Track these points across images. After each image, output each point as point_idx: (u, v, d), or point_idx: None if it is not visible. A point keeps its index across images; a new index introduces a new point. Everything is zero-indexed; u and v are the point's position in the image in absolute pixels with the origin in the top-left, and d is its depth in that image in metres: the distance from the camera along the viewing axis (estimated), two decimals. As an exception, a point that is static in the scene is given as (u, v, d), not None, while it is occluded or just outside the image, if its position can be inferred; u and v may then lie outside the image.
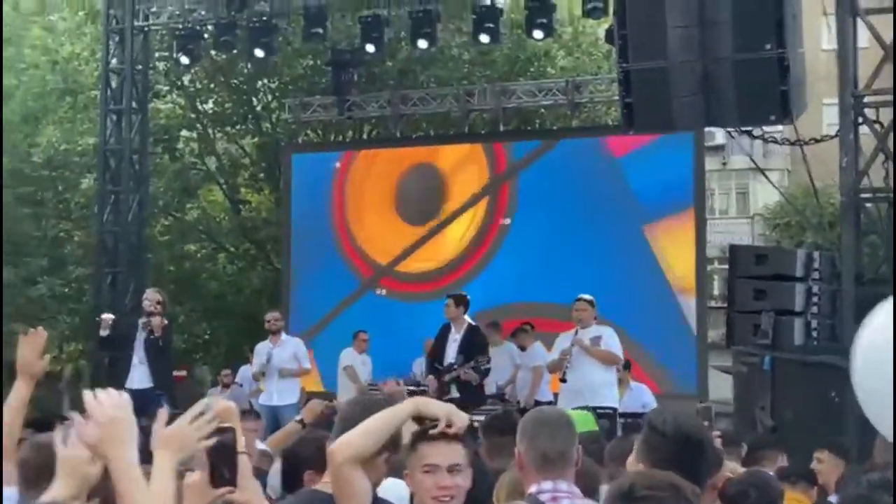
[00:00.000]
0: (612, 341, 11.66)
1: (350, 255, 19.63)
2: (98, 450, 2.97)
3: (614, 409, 11.40)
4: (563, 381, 11.71)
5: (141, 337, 12.49)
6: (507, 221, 18.94)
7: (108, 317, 12.95)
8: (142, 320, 12.56)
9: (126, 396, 3.06)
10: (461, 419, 3.72)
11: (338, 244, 19.71)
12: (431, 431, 3.72)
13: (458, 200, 19.25)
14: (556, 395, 14.50)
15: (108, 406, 2.99)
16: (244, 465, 3.58)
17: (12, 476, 4.18)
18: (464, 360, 12.48)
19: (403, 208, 19.51)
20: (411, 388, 13.32)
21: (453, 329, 12.85)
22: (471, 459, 3.88)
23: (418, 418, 3.78)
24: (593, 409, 9.43)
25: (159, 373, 12.54)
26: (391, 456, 4.08)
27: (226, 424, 3.76)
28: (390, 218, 19.55)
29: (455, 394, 12.26)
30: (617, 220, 18.12)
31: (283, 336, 13.92)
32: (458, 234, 19.20)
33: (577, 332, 11.61)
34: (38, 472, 3.99)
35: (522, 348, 15.11)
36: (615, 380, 11.76)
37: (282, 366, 13.62)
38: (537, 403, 13.00)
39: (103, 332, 12.85)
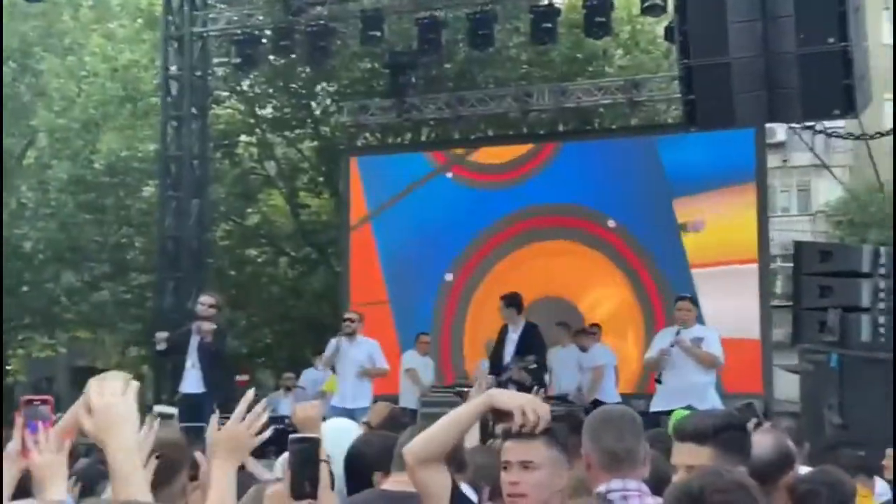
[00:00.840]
0: (714, 343, 11.49)
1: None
2: (95, 437, 2.96)
3: None
4: (658, 381, 11.59)
5: (194, 341, 12.47)
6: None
7: (160, 335, 12.92)
8: (195, 325, 12.54)
9: (135, 384, 3.03)
10: (541, 411, 3.63)
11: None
12: (514, 429, 3.66)
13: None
14: (624, 395, 14.46)
15: (105, 394, 2.97)
16: (324, 474, 3.55)
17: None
18: (520, 360, 12.46)
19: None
20: (460, 388, 13.34)
21: (510, 329, 12.82)
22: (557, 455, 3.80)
23: (497, 412, 3.72)
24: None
25: (212, 377, 12.52)
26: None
27: (310, 434, 3.75)
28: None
29: None
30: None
31: (359, 337, 13.76)
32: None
33: (678, 332, 11.47)
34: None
35: (583, 349, 15.07)
36: (713, 382, 11.56)
37: (358, 367, 13.47)
38: (597, 403, 12.94)
39: (159, 348, 12.88)
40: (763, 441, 4.02)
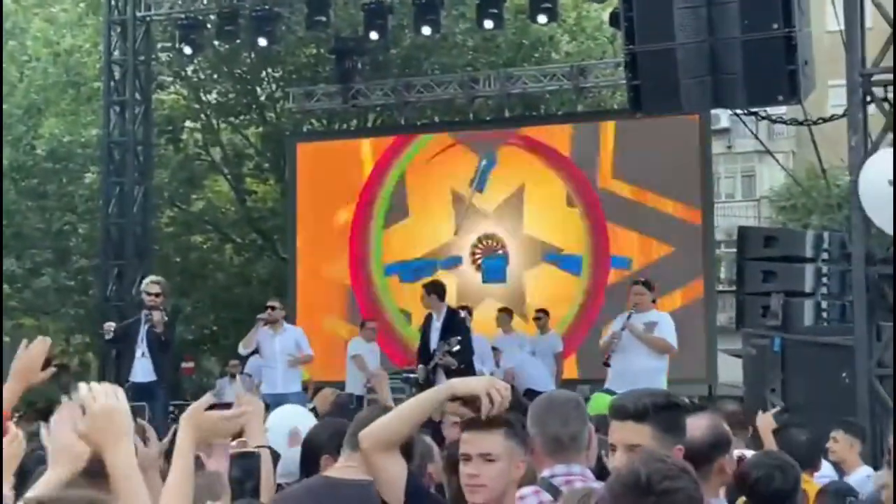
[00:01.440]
0: (667, 329, 11.46)
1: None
2: (92, 440, 2.98)
3: None
4: (606, 364, 11.57)
5: (143, 330, 12.37)
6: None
7: (108, 326, 12.84)
8: (143, 313, 12.44)
9: (120, 389, 3.05)
10: (502, 392, 3.62)
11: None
12: (477, 416, 3.64)
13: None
14: (570, 381, 14.53)
15: (102, 397, 2.97)
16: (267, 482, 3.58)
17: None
18: (455, 343, 12.50)
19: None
20: (406, 375, 13.36)
21: (434, 317, 12.87)
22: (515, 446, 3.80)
23: (462, 400, 3.70)
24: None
25: (163, 365, 12.49)
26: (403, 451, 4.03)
27: (250, 449, 3.78)
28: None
29: (444, 381, 12.19)
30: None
31: (285, 324, 13.79)
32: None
33: (629, 316, 11.44)
34: None
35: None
36: (665, 368, 11.53)
37: (285, 354, 13.49)
38: (530, 393, 13.06)
39: (107, 337, 12.80)
40: (698, 423, 4.03)
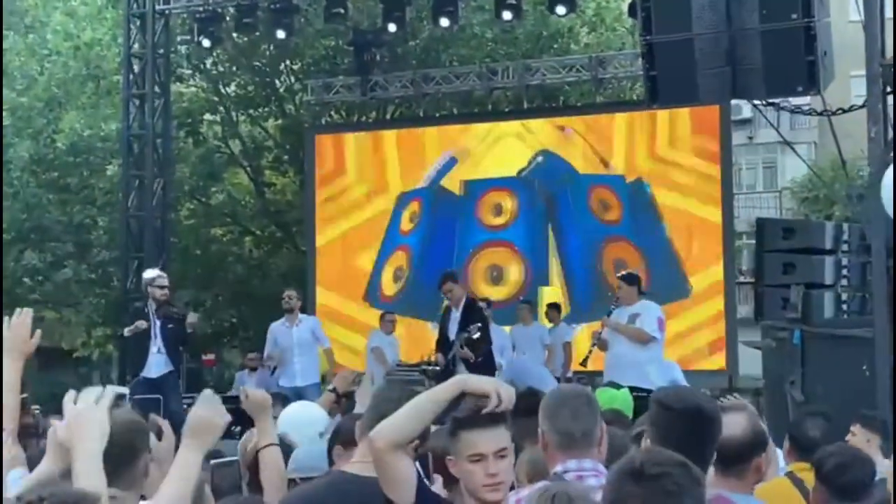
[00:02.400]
0: (648, 319, 11.43)
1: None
2: (66, 445, 3.09)
3: (649, 391, 11.00)
4: (583, 365, 11.68)
5: (157, 326, 12.28)
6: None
7: (141, 325, 12.61)
8: (151, 304, 12.32)
9: (107, 393, 3.12)
10: (508, 394, 3.62)
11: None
12: (484, 411, 3.62)
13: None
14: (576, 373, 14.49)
15: (79, 403, 3.08)
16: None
17: (18, 458, 4.20)
18: (468, 336, 12.50)
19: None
20: (424, 367, 13.33)
21: (452, 309, 12.85)
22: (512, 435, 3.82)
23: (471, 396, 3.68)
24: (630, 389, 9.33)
25: (176, 359, 12.49)
26: (421, 445, 3.99)
27: (231, 458, 3.79)
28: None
29: (464, 372, 12.23)
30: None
31: (300, 315, 13.73)
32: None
33: (609, 313, 11.46)
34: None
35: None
36: (652, 358, 11.46)
37: (302, 345, 13.44)
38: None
39: (128, 333, 12.66)
40: (737, 421, 4.01)
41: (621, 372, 10.80)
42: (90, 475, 2.95)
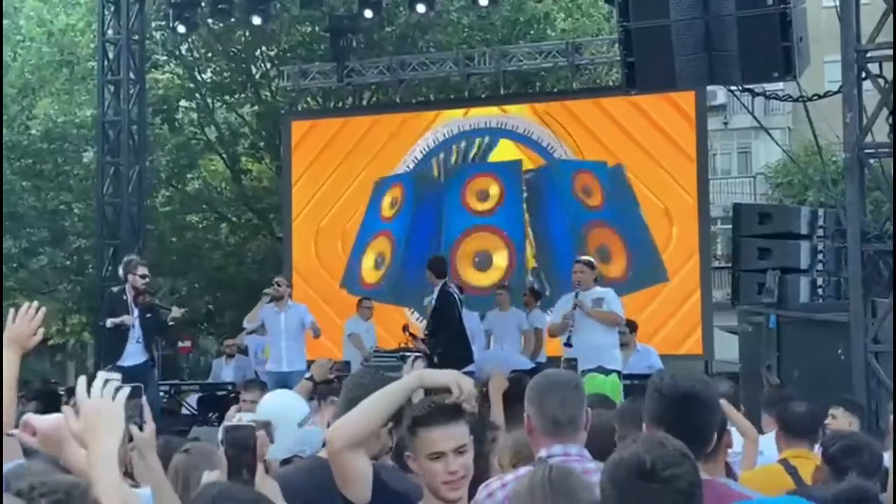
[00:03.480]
0: (613, 302, 11.51)
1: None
2: (80, 438, 2.98)
3: (619, 372, 11.20)
4: (568, 345, 11.61)
5: (135, 315, 12.20)
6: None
7: (129, 319, 12.51)
8: (126, 290, 12.24)
9: (123, 388, 3.03)
10: (467, 386, 3.62)
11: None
12: (448, 401, 3.61)
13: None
14: (551, 358, 14.51)
15: (95, 397, 2.96)
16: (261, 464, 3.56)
17: (16, 451, 4.17)
18: (432, 325, 12.50)
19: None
20: (402, 353, 13.34)
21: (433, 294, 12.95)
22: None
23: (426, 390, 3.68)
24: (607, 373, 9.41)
25: (150, 348, 12.47)
26: (395, 427, 4.01)
27: (244, 423, 3.72)
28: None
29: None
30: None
31: (290, 302, 13.71)
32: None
33: (577, 295, 11.48)
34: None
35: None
36: (618, 342, 11.60)
37: (290, 331, 13.43)
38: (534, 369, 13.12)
39: (110, 325, 12.57)
40: None
41: (593, 354, 10.87)
42: (109, 476, 2.87)
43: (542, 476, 3.26)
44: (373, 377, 4.32)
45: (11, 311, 4.19)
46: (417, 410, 3.62)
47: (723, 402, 6.57)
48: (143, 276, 12.18)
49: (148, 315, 12.17)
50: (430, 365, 12.09)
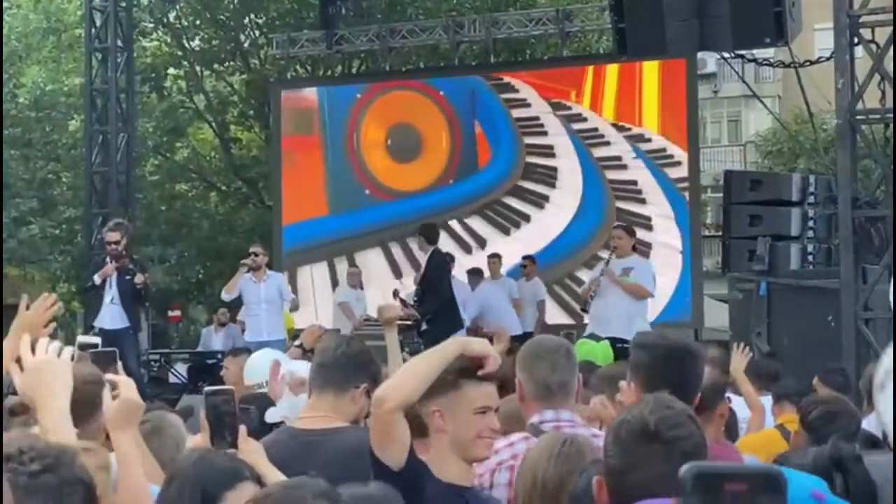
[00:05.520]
0: (643, 274, 11.43)
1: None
2: (25, 395, 2.93)
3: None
4: (584, 311, 11.60)
5: (112, 278, 12.23)
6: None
7: (108, 270, 12.54)
8: (114, 263, 12.27)
9: (68, 348, 3.00)
10: (497, 358, 3.61)
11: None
12: (481, 372, 3.59)
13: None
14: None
15: (39, 352, 2.92)
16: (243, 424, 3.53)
17: None
18: (420, 291, 12.52)
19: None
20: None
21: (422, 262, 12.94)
22: None
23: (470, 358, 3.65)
24: (612, 341, 9.38)
25: (135, 314, 12.42)
26: (372, 387, 3.99)
27: (224, 387, 3.70)
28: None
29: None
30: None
31: (268, 271, 13.69)
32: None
33: (608, 262, 11.44)
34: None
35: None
36: (640, 311, 11.41)
37: (268, 301, 13.41)
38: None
39: (88, 285, 12.63)
40: None
41: (608, 323, 10.84)
42: (60, 431, 2.82)
43: (556, 441, 3.25)
44: (337, 340, 4.35)
45: (25, 297, 4.13)
46: (464, 363, 3.60)
47: (734, 369, 6.63)
48: (108, 243, 12.23)
49: (126, 277, 12.17)
50: (419, 331, 12.19)
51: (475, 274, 15.75)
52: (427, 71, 21.24)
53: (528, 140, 18.73)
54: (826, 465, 2.84)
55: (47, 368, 2.91)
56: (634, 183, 17.96)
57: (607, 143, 18.22)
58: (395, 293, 13.18)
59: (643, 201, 17.81)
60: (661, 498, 2.46)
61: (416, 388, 3.44)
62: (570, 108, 18.50)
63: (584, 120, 18.40)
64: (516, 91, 18.99)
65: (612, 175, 18.11)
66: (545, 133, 18.65)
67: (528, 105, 18.81)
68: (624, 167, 18.08)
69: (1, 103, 20.80)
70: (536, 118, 18.72)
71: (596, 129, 18.33)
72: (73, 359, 4.42)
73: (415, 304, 12.43)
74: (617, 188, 18.05)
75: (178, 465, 3.01)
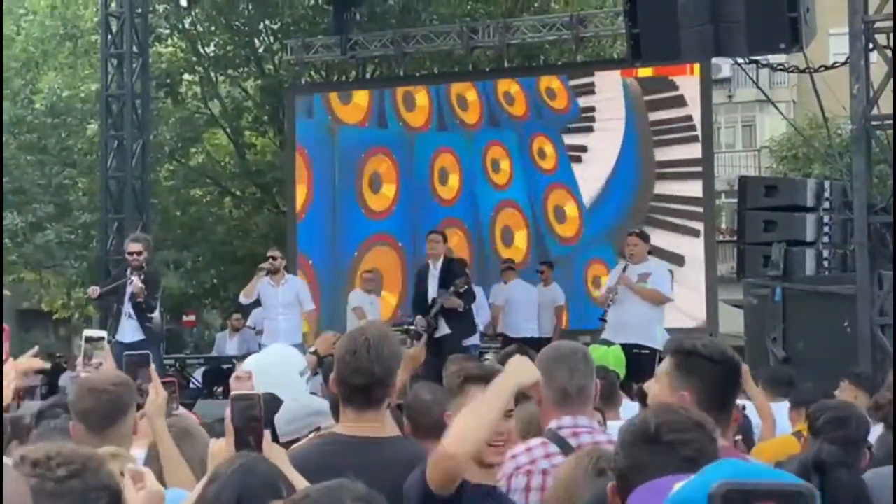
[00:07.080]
0: (661, 279, 11.40)
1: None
2: None
3: (654, 350, 10.53)
4: (603, 320, 11.55)
5: (129, 290, 12.24)
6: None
7: (93, 289, 12.69)
8: (128, 273, 12.29)
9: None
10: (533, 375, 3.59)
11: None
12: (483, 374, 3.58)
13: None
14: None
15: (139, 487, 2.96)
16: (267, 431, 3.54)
17: None
18: (465, 286, 12.54)
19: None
20: (402, 327, 13.37)
21: (431, 266, 12.88)
22: None
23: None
24: (630, 347, 9.39)
25: (148, 329, 12.42)
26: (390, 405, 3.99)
27: (249, 392, 3.72)
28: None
29: (446, 329, 12.34)
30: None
31: (286, 275, 13.70)
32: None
33: (625, 269, 11.42)
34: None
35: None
36: (659, 318, 11.35)
37: (285, 306, 13.43)
38: (507, 340, 13.35)
39: (93, 297, 12.69)
40: None
41: (628, 330, 10.82)
42: None
43: (590, 458, 3.23)
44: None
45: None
46: (471, 369, 3.59)
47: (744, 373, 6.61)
48: (130, 253, 12.27)
49: (137, 298, 12.17)
50: (430, 338, 12.23)
51: (508, 269, 15.79)
52: (441, 76, 21.27)
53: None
54: (808, 469, 2.86)
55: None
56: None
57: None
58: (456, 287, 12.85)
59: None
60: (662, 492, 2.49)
61: (479, 439, 3.41)
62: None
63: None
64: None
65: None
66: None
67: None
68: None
69: (0, 103, 20.86)
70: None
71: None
72: (82, 352, 4.51)
73: (428, 309, 12.49)
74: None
75: (220, 469, 3.04)
